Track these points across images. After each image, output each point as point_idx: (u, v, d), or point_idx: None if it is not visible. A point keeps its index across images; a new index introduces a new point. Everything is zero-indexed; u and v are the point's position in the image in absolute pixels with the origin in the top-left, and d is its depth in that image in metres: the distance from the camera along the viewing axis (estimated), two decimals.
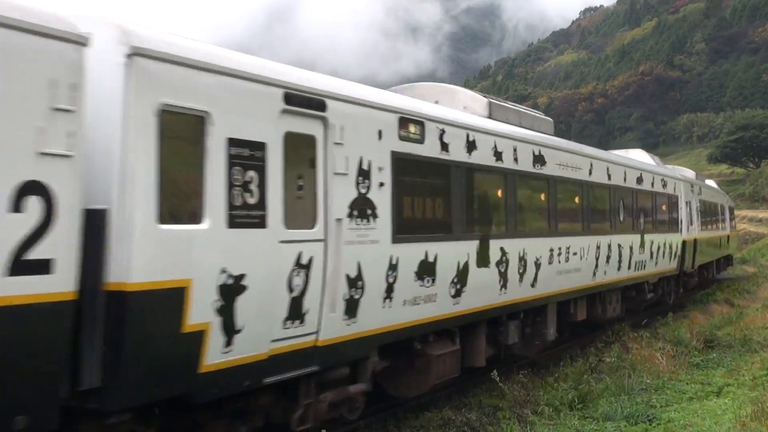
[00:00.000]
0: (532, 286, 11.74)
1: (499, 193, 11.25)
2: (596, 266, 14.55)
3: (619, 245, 15.75)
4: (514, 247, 11.12)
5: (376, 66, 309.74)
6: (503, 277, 10.79)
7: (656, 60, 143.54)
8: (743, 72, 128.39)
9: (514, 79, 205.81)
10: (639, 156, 21.25)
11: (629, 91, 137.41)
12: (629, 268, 16.57)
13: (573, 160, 13.74)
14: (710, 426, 8.94)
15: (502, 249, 10.73)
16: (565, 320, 14.22)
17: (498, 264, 10.64)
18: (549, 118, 14.76)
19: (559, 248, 12.71)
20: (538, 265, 11.89)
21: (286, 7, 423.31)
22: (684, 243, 21.61)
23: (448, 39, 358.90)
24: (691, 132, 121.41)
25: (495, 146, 10.86)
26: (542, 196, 12.68)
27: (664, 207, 19.83)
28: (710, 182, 35.13)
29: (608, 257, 15.12)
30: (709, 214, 27.46)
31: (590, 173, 14.55)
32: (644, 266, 17.74)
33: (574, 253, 13.46)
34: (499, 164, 10.98)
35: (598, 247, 14.59)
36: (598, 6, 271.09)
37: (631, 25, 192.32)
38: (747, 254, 49.07)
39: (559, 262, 12.73)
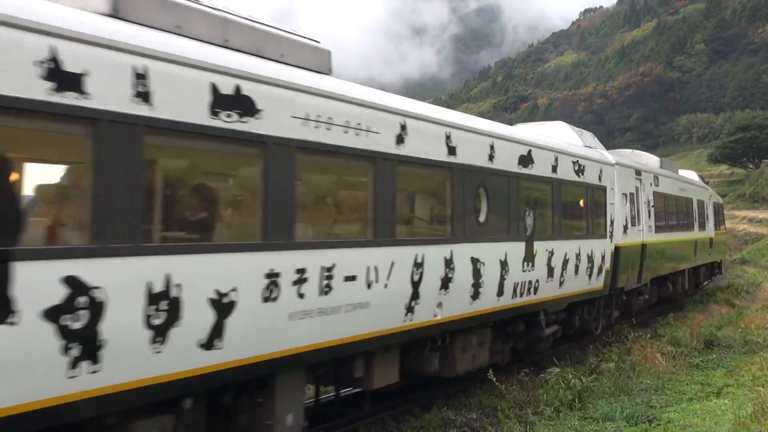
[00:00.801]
0: (209, 347, 6.16)
1: (72, 165, 5.93)
2: (415, 297, 8.73)
3: (475, 260, 9.99)
4: (127, 275, 5.54)
5: (382, 68, 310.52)
6: (85, 338, 5.22)
7: (656, 61, 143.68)
8: (743, 73, 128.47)
9: (514, 80, 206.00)
10: (558, 130, 15.38)
11: (629, 92, 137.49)
12: (501, 293, 10.75)
13: (353, 115, 7.88)
14: (710, 426, 8.94)
15: (75, 283, 5.15)
16: (351, 386, 9.67)
17: (58, 314, 5.04)
18: (324, 47, 8.36)
19: (301, 271, 7.10)
20: (226, 307, 6.30)
21: (290, 8, 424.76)
22: (618, 251, 15.53)
23: (452, 40, 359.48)
24: (691, 133, 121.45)
25: (56, 63, 5.04)
26: (251, 177, 7.03)
27: (580, 202, 14.02)
28: (688, 173, 27.94)
29: (446, 280, 9.35)
30: (674, 211, 21.68)
31: (401, 142, 8.62)
32: (535, 289, 11.84)
33: (350, 278, 7.72)
34: (69, 101, 5.16)
35: (417, 265, 8.78)
36: (598, 7, 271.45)
37: (631, 26, 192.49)
38: (747, 254, 49.13)
39: (301, 296, 7.08)
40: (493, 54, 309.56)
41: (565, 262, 12.95)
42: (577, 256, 13.45)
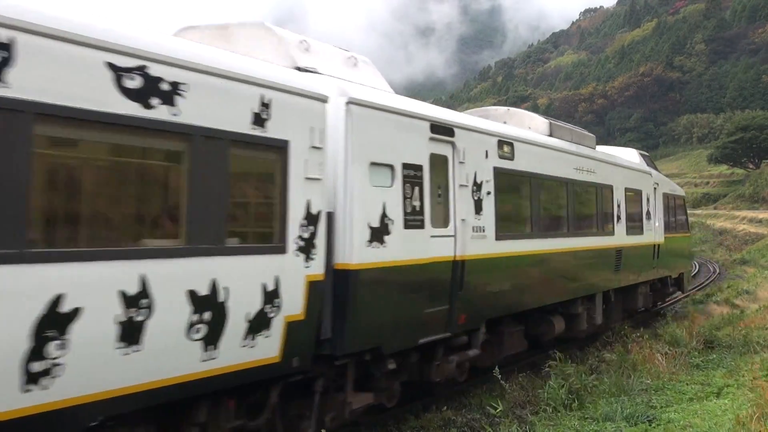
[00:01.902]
0: None
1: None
2: None
3: None
4: None
5: (385, 68, 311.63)
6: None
7: (656, 61, 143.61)
8: (743, 73, 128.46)
9: (514, 80, 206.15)
10: (251, 37, 8.75)
11: (629, 92, 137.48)
12: None
13: None
14: (710, 427, 8.94)
15: None
16: None
17: None
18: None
19: None
20: None
21: (293, 8, 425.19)
22: (347, 277, 7.97)
23: (457, 41, 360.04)
24: (691, 133, 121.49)
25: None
26: None
27: (163, 173, 6.55)
28: (623, 151, 20.00)
29: None
30: (564, 205, 13.72)
31: None
32: None
33: None
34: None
35: None
36: (598, 7, 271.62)
37: (631, 26, 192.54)
38: (747, 254, 49.14)
39: None
40: (494, 54, 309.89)
41: (70, 316, 5.20)
42: (132, 300, 5.66)
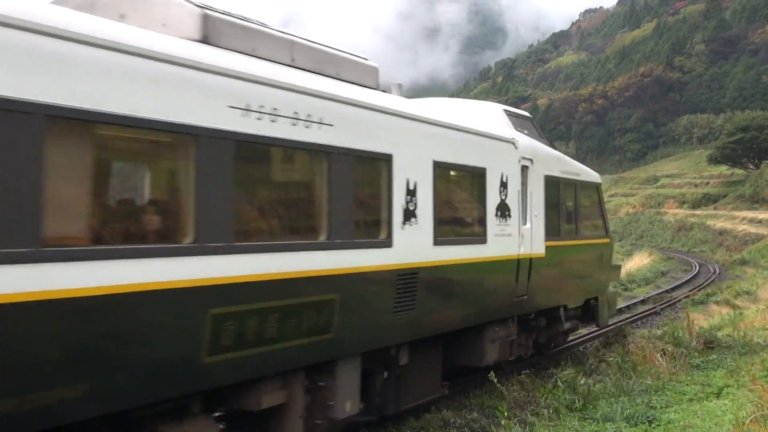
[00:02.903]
0: None
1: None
2: None
3: None
4: None
5: (389, 70, 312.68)
6: None
7: (656, 61, 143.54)
8: (743, 73, 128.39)
9: (514, 81, 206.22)
10: None
11: (629, 93, 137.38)
12: None
13: None
14: (710, 427, 8.95)
15: None
16: None
17: None
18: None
19: None
20: None
21: (299, 13, 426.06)
22: None
23: (460, 43, 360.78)
24: (691, 133, 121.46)
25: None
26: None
27: None
28: (467, 105, 13.18)
29: None
30: (198, 189, 5.98)
31: None
32: None
33: None
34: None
35: None
36: (598, 7, 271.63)
37: (631, 27, 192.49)
38: (747, 255, 49.14)
39: None
40: (495, 55, 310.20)
41: None
42: None
